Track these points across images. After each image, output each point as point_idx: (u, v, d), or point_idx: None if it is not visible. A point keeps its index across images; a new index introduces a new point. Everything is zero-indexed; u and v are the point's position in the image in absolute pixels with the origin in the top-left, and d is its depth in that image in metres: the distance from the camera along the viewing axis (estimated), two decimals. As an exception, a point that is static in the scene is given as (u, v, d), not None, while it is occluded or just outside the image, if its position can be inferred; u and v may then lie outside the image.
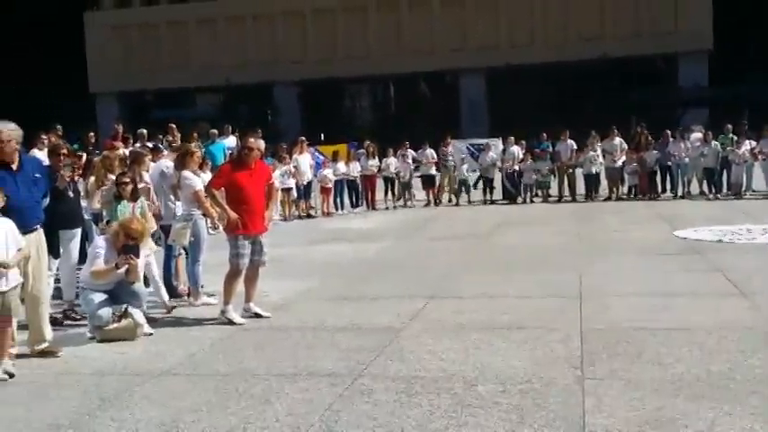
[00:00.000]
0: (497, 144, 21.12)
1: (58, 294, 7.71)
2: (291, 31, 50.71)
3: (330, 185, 18.48)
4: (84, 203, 8.32)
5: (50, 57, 48.08)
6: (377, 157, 20.09)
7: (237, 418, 4.62)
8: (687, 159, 18.54)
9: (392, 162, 19.97)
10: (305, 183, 17.96)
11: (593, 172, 19.13)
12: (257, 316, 7.34)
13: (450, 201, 20.06)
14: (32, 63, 48.32)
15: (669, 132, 19.26)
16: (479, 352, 5.85)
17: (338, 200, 18.95)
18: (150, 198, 8.17)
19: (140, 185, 8.09)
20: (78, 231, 7.69)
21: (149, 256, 7.74)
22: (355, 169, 19.27)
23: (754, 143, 18.58)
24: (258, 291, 7.61)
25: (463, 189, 19.96)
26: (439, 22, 49.05)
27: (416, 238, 13.69)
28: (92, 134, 14.13)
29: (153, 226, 7.83)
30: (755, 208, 15.74)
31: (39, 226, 6.13)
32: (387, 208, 19.48)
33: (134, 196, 7.67)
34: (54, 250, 6.97)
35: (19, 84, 44.69)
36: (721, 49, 44.04)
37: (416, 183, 20.65)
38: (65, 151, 7.55)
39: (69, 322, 7.51)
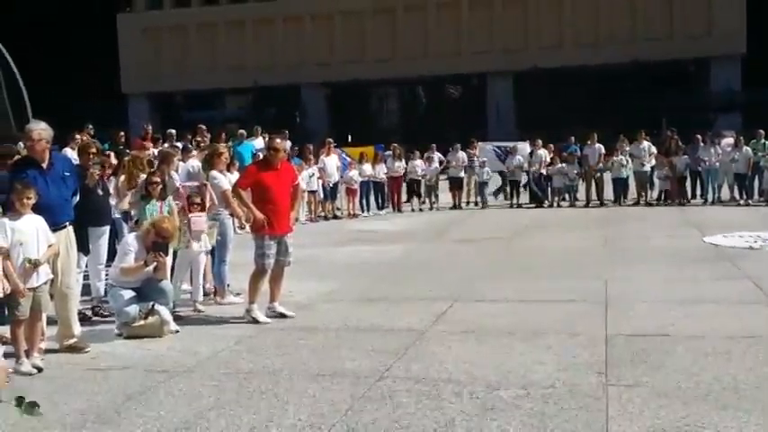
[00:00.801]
0: (525, 147, 21.02)
1: (86, 291, 7.83)
2: (319, 33, 50.95)
3: (356, 187, 18.53)
4: (113, 202, 8.44)
5: (84, 57, 48.77)
6: (403, 160, 20.11)
7: (260, 416, 4.66)
8: (718, 165, 18.30)
9: (418, 164, 19.98)
10: (331, 184, 18.03)
11: (622, 176, 18.96)
12: (282, 316, 7.39)
13: (476, 204, 20.00)
14: (67, 63, 49.08)
15: (699, 137, 19.02)
16: (503, 356, 5.83)
17: (364, 201, 18.99)
18: (182, 197, 8.23)
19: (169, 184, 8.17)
20: (107, 229, 7.82)
21: (201, 254, 7.86)
22: (381, 171, 19.30)
23: (786, 149, 18.29)
24: (283, 290, 7.66)
25: (482, 192, 19.88)
26: (466, 25, 48.95)
27: (441, 241, 13.68)
28: (122, 134, 14.31)
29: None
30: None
31: (68, 223, 6.24)
32: (412, 210, 19.47)
33: (162, 195, 7.76)
34: (84, 247, 7.09)
35: (54, 84, 45.38)
36: (755, 53, 43.39)
37: (442, 185, 20.62)
38: (94, 150, 7.67)
39: (97, 318, 7.63)
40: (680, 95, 44.30)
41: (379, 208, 19.28)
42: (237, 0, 53.12)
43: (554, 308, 7.55)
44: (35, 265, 5.66)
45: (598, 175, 19.41)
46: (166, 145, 13.58)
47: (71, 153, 10.17)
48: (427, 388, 5.07)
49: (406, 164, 20.01)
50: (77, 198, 6.55)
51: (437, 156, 20.41)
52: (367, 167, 19.03)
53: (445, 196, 20.15)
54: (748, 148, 18.21)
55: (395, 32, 50.11)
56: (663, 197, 18.84)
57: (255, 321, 7.19)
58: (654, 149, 19.25)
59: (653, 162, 18.97)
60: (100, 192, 7.63)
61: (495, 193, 20.53)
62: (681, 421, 4.37)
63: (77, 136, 12.25)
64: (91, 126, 13.68)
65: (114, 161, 10.04)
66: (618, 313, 7.14)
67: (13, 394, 4.79)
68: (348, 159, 19.87)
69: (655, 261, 10.27)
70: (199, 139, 14.86)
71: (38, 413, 4.58)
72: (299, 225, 13.13)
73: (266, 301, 7.47)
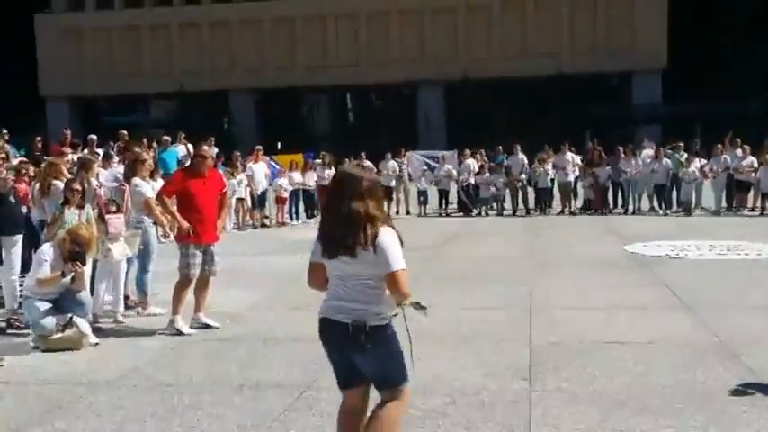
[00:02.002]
0: (453, 156, 21.28)
1: (0, 303, 7.52)
2: (248, 37, 50.41)
3: (285, 195, 18.37)
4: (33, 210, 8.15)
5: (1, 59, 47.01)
6: (333, 168, 20.05)
7: (183, 429, 4.55)
8: (638, 176, 18.91)
9: (348, 173, 19.93)
10: (259, 192, 17.83)
11: (547, 186, 19.40)
12: (207, 327, 7.24)
13: (407, 213, 20.12)
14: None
15: (621, 149, 19.62)
16: (430, 363, 5.85)
17: (293, 210, 18.85)
18: (99, 203, 7.99)
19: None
20: (20, 238, 7.53)
21: (121, 261, 7.63)
22: (311, 179, 19.21)
23: (704, 161, 19.01)
24: (208, 301, 7.52)
25: (421, 200, 20.02)
26: (397, 34, 49.32)
27: (371, 249, 13.65)
28: (39, 139, 13.82)
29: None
30: (704, 225, 16.10)
31: None
32: (342, 218, 19.42)
33: (80, 203, 7.51)
34: (-3, 257, 6.81)
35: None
36: (675, 67, 45.14)
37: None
38: (3, 155, 7.37)
39: (12, 331, 7.32)
40: (603, 108, 45.70)
41: (309, 216, 19.18)
42: (163, 3, 52.08)
43: (481, 315, 7.64)
44: None
45: (520, 184, 19.78)
46: (87, 151, 13.18)
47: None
48: (354, 397, 5.04)
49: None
50: None
51: (368, 164, 20.43)
52: (296, 175, 18.90)
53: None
54: (668, 160, 18.88)
55: (326, 39, 50.05)
56: (587, 206, 19.35)
57: (179, 333, 7.02)
58: (578, 160, 19.76)
59: (577, 172, 19.47)
60: (12, 199, 7.33)
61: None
62: (600, 425, 4.48)
63: (-7, 141, 11.77)
64: (6, 131, 13.14)
65: (32, 168, 9.68)
66: (542, 320, 7.28)
67: None
68: (277, 167, 19.69)
69: (577, 269, 10.53)
70: (121, 145, 14.48)
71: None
72: (227, 233, 12.94)
73: (191, 311, 7.32)
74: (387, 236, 3.67)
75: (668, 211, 18.55)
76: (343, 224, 3.52)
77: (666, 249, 12.21)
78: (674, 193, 18.92)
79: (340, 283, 3.66)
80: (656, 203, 18.88)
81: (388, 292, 3.71)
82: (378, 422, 3.54)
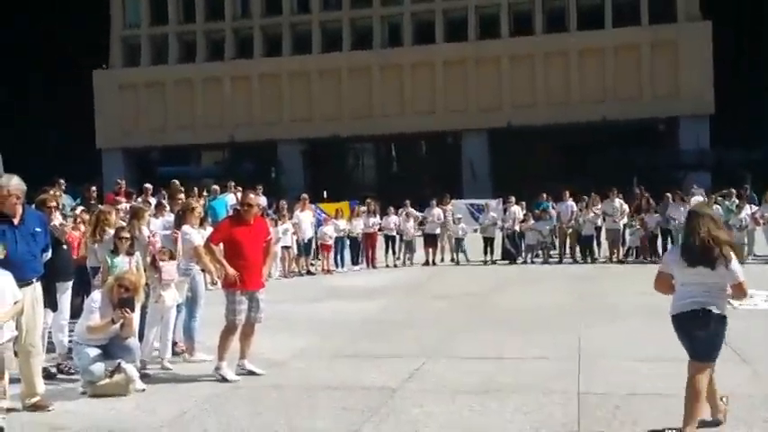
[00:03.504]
0: (497, 204, 21.20)
1: (52, 348, 7.67)
2: (296, 89, 51.49)
3: (330, 242, 18.49)
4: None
5: (61, 111, 48.87)
6: (378, 215, 20.16)
7: (226, 478, 4.54)
8: (688, 222, 18.53)
9: (393, 220, 20.04)
10: (305, 240, 17.99)
11: (590, 233, 19.14)
12: (251, 373, 7.27)
13: (452, 260, 20.03)
14: (45, 117, 49.13)
15: (669, 195, 19.32)
16: (475, 415, 5.77)
17: (338, 257, 18.93)
18: (153, 251, 8.15)
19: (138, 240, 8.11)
20: (70, 284, 7.70)
21: (172, 308, 7.75)
22: (357, 227, 19.31)
23: (755, 207, 18.61)
24: (253, 348, 7.55)
25: (459, 248, 19.91)
26: (441, 83, 49.82)
27: (416, 297, 13.63)
28: (93, 188, 14.22)
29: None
30: (757, 273, 15.63)
31: (35, 279, 6.15)
32: (387, 266, 19.44)
33: (130, 251, 7.68)
34: (51, 302, 6.97)
35: (28, 138, 45.31)
36: (722, 112, 44.55)
37: (418, 241, 20.65)
38: (54, 204, 7.58)
39: (62, 376, 7.45)
40: (650, 154, 45.18)
41: (354, 264, 19.23)
42: (214, 57, 53.70)
43: (527, 365, 7.51)
44: None
45: (570, 231, 19.58)
46: (140, 200, 13.50)
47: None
48: (398, 448, 4.99)
49: (381, 220, 20.06)
50: (49, 254, 6.47)
51: (413, 211, 20.50)
52: (342, 223, 19.04)
53: (419, 253, 20.17)
54: (717, 207, 18.49)
55: (371, 90, 50.81)
56: (634, 254, 19.02)
57: (224, 380, 7.06)
58: (626, 207, 19.50)
59: (625, 219, 19.19)
60: (65, 246, 7.53)
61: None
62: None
63: (50, 190, 12.13)
64: (62, 181, 13.57)
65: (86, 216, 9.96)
66: (591, 371, 7.12)
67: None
68: (323, 215, 19.87)
69: (627, 318, 10.30)
70: (171, 194, 14.77)
71: None
72: (273, 281, 13.05)
73: (236, 358, 7.36)
74: (734, 256, 5.21)
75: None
76: (705, 245, 5.06)
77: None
78: (726, 240, 18.47)
79: (697, 287, 5.19)
80: (707, 251, 18.44)
81: (728, 293, 5.27)
82: (691, 388, 5.24)
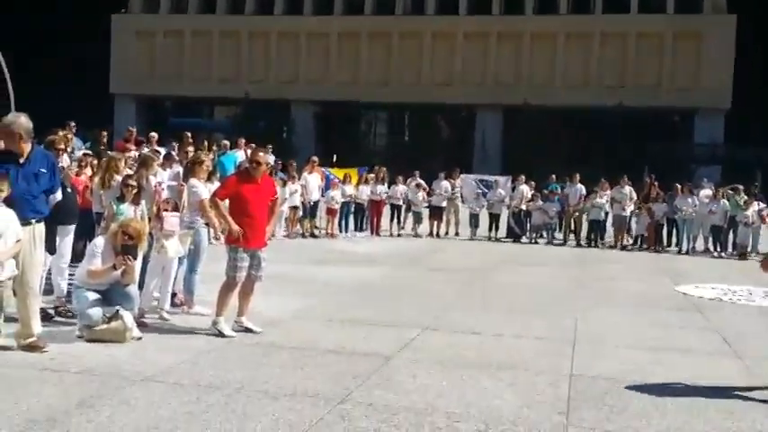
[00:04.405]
0: (506, 181, 21.13)
1: (51, 290, 7.72)
2: (314, 51, 51.14)
3: (336, 207, 18.50)
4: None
5: (74, 55, 48.63)
6: (386, 184, 20.12)
7: (213, 431, 4.58)
8: (694, 215, 18.48)
9: (400, 189, 20.01)
10: (311, 202, 17.99)
11: (600, 218, 19.10)
12: (248, 331, 7.31)
13: (456, 234, 20.02)
14: (58, 58, 48.89)
15: (679, 186, 19.23)
16: (466, 388, 5.79)
17: (343, 222, 18.95)
18: (158, 201, 8.15)
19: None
20: (72, 228, 7.72)
21: (174, 259, 7.77)
22: (364, 193, 19.30)
23: (763, 205, 18.53)
24: (252, 306, 7.59)
25: (473, 223, 19.91)
26: (460, 56, 49.40)
27: (417, 268, 13.66)
28: (104, 134, 14.19)
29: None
30: (759, 270, 15.61)
31: (35, 220, 6.14)
32: (391, 235, 19.46)
33: (136, 200, 7.68)
34: (50, 246, 6.98)
35: (43, 80, 45.16)
36: (738, 109, 44.17)
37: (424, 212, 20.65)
38: (62, 146, 7.57)
39: (60, 318, 7.51)
40: (663, 144, 44.89)
41: (358, 230, 19.25)
42: (234, 11, 53.22)
43: (522, 343, 7.53)
44: None
45: (577, 214, 19.54)
46: (146, 148, 13.47)
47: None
48: (387, 415, 5.02)
49: (389, 188, 20.03)
50: (57, 197, 6.46)
51: (423, 183, 20.48)
52: (349, 188, 19.02)
53: (425, 224, 20.17)
54: (726, 202, 18.43)
55: (389, 57, 50.43)
56: (639, 242, 18.99)
57: (221, 334, 7.10)
58: (634, 195, 19.42)
59: (632, 207, 19.13)
60: (69, 189, 7.53)
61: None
62: (637, 468, 4.36)
63: (60, 132, 12.11)
64: (73, 124, 13.53)
65: (95, 161, 9.94)
66: (585, 354, 7.14)
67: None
68: (332, 178, 19.85)
69: (625, 305, 10.32)
70: (183, 147, 14.76)
71: None
72: (275, 240, 13.07)
73: (234, 314, 7.39)
74: None
75: (723, 254, 18.07)
76: None
77: (719, 292, 11.88)
78: (731, 235, 18.43)
79: None
80: (711, 245, 18.41)
81: None
82: None
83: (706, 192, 19.57)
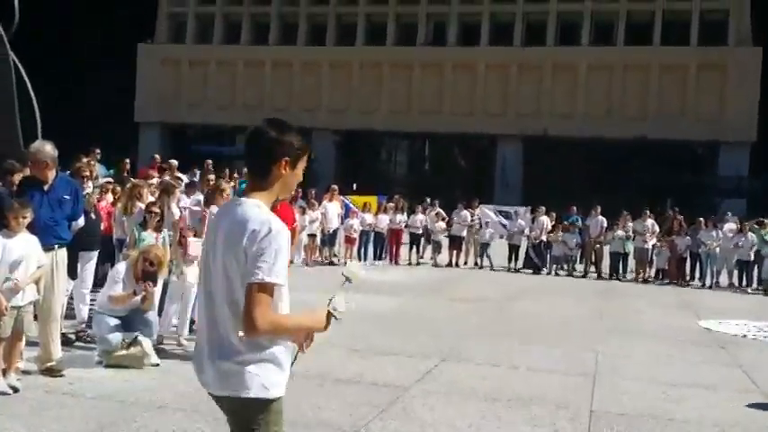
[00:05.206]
0: (525, 212, 21.06)
1: (73, 315, 7.77)
2: (336, 80, 51.62)
3: (355, 236, 18.52)
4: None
5: (102, 84, 49.48)
6: (405, 213, 20.13)
7: (230, 460, 4.55)
8: (718, 249, 18.26)
9: (420, 218, 20.01)
10: (331, 230, 18.02)
11: (622, 251, 18.94)
12: (265, 358, 7.27)
13: (475, 264, 19.94)
14: (85, 89, 49.78)
15: (702, 220, 19.04)
16: (484, 422, 5.72)
17: (362, 251, 18.95)
18: (181, 227, 8.20)
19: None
20: (95, 254, 7.80)
21: (194, 286, 7.80)
22: (383, 222, 19.31)
23: (788, 240, 18.25)
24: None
25: (484, 253, 19.83)
26: (482, 85, 49.58)
27: (436, 297, 13.59)
28: (127, 161, 14.34)
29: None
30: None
31: (57, 246, 6.21)
32: (410, 264, 19.41)
33: (158, 227, 7.75)
34: (72, 271, 7.05)
35: (70, 106, 45.93)
36: (765, 141, 43.77)
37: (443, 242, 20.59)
38: (87, 173, 7.69)
39: (80, 343, 7.55)
40: (687, 176, 44.55)
41: (377, 258, 19.23)
42: (258, 41, 53.98)
43: (542, 376, 7.44)
44: (15, 285, 5.61)
45: (598, 246, 19.39)
46: (167, 176, 13.59)
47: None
48: (403, 448, 4.97)
49: (408, 217, 20.04)
50: (80, 223, 6.53)
51: (442, 212, 20.47)
52: (368, 217, 19.05)
53: (444, 254, 20.11)
54: (753, 235, 18.17)
55: (410, 86, 50.73)
56: (660, 276, 18.77)
57: (239, 362, 7.07)
58: (656, 228, 19.24)
59: (654, 240, 18.95)
60: (93, 216, 7.62)
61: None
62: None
63: (84, 159, 12.27)
64: (98, 150, 13.70)
65: (117, 188, 10.06)
66: (606, 389, 7.04)
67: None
68: (352, 207, 19.90)
69: (648, 339, 10.17)
70: (204, 175, 14.88)
71: None
72: (294, 267, 13.07)
73: (252, 342, 7.37)
74: None
75: (749, 289, 17.80)
76: None
77: (744, 329, 11.67)
78: (756, 270, 18.16)
79: None
80: (735, 279, 18.14)
81: None
82: None
83: (730, 225, 19.34)
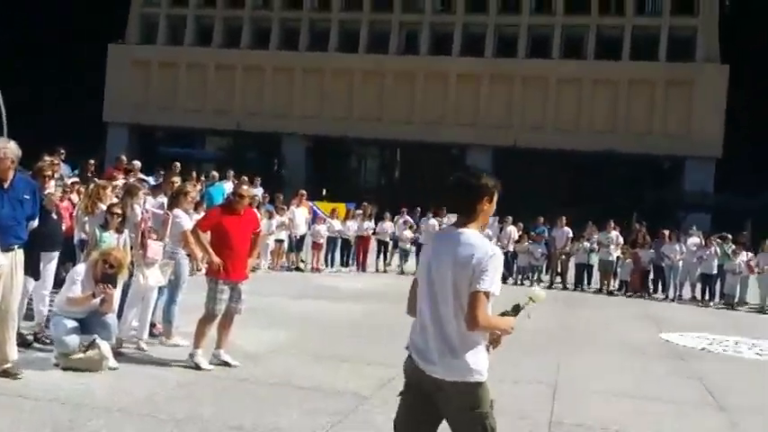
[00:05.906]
0: (493, 222, 21.17)
1: (32, 316, 7.61)
2: (308, 85, 51.50)
3: (322, 242, 18.45)
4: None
5: (73, 82, 48.85)
6: (373, 220, 20.12)
7: (184, 467, 4.49)
8: (681, 263, 18.50)
9: (388, 226, 20.00)
10: (298, 236, 17.94)
11: (587, 262, 19.12)
12: (225, 364, 7.21)
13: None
14: (53, 89, 49.11)
15: (666, 233, 19.29)
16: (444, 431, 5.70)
17: (329, 257, 18.88)
18: (143, 229, 8.08)
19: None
20: (56, 255, 7.65)
21: (154, 289, 7.70)
22: (351, 228, 19.26)
23: (750, 255, 18.55)
24: (231, 339, 7.49)
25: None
26: (453, 95, 49.85)
27: (401, 305, 13.48)
28: (92, 162, 14.17)
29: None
30: (746, 321, 15.64)
31: (17, 246, 6.08)
32: (377, 271, 19.39)
33: (120, 228, 7.63)
34: (34, 271, 6.91)
35: (37, 107, 45.27)
36: (729, 157, 44.59)
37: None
38: (49, 173, 7.54)
39: (38, 345, 7.39)
40: (652, 190, 45.17)
41: (344, 265, 19.19)
42: (230, 45, 53.69)
43: (503, 387, 7.43)
44: None
45: (563, 257, 19.55)
46: (131, 177, 13.42)
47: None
48: (362, 456, 4.94)
49: (375, 224, 20.02)
50: (35, 223, 6.40)
51: (410, 220, 20.48)
52: (336, 223, 18.99)
53: (411, 262, 20.10)
54: (717, 249, 18.41)
55: (382, 94, 50.81)
56: (624, 288, 18.97)
57: (198, 367, 7.00)
58: (621, 240, 19.46)
59: (619, 252, 19.15)
60: (54, 216, 7.48)
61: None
62: None
63: (47, 158, 12.07)
64: (63, 151, 13.51)
65: (81, 188, 9.91)
66: (566, 400, 7.07)
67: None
68: (320, 213, 19.83)
69: (609, 351, 10.26)
70: (169, 176, 14.72)
71: None
72: (260, 273, 12.99)
73: (212, 347, 7.30)
74: None
75: (710, 303, 18.05)
76: None
77: (704, 342, 11.83)
78: (718, 285, 18.42)
79: None
80: (698, 292, 18.38)
81: None
82: None
83: (694, 239, 19.60)
